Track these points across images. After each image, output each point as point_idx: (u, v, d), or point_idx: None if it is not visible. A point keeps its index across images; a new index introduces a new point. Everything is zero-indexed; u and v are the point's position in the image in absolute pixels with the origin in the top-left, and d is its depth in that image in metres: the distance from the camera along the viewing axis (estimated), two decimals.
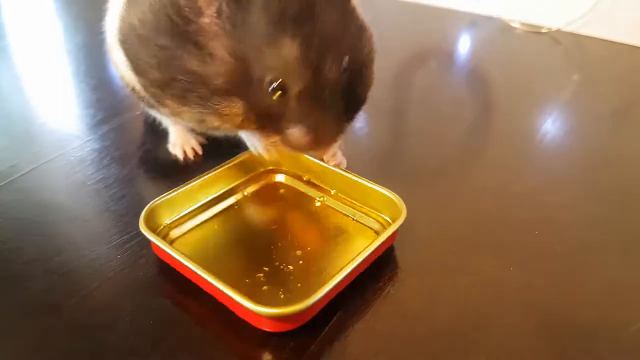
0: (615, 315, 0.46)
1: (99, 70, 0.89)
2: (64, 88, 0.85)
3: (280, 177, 0.61)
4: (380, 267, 0.50)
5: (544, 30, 1.10)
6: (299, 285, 0.47)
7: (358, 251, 0.46)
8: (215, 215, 0.55)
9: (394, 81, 0.90)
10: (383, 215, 0.55)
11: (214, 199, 0.57)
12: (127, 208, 0.56)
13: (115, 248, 0.51)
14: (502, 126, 0.78)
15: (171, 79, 0.46)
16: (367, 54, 0.49)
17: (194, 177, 0.55)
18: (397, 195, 0.53)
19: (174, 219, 0.53)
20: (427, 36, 1.12)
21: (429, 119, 0.79)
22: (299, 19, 0.42)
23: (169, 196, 0.52)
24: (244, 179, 0.59)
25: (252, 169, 0.60)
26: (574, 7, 1.07)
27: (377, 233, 0.53)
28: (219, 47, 0.43)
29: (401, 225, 0.50)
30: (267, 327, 0.43)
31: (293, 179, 0.60)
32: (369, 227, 0.54)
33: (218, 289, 0.43)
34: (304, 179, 0.60)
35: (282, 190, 0.59)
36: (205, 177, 0.56)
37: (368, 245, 0.47)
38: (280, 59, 0.42)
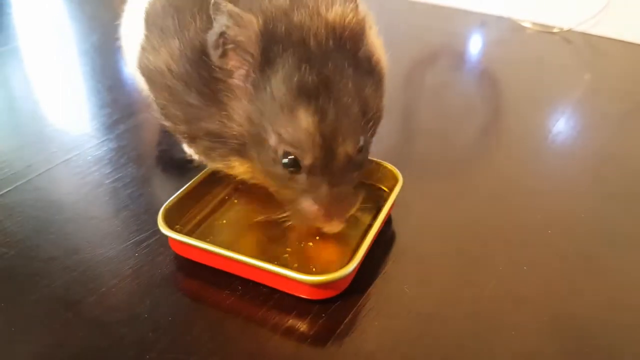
0: (630, 316, 0.46)
1: (115, 71, 0.90)
2: (80, 88, 0.86)
3: None
4: (394, 267, 0.50)
5: (555, 30, 1.10)
6: (324, 258, 0.50)
7: (365, 221, 0.52)
8: (224, 208, 0.56)
9: (404, 80, 0.90)
10: (380, 185, 0.59)
11: (221, 194, 0.58)
12: (144, 207, 0.57)
13: (134, 246, 0.52)
14: (512, 126, 0.78)
15: (197, 137, 0.49)
16: (377, 114, 0.49)
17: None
18: (391, 165, 0.57)
19: (187, 216, 0.54)
20: (437, 36, 1.12)
21: (439, 118, 0.80)
22: (315, 92, 0.43)
23: (183, 194, 0.53)
24: None
25: None
26: (585, 7, 1.07)
27: (378, 203, 0.55)
28: (239, 109, 0.45)
29: (410, 224, 0.51)
30: (313, 296, 0.46)
31: None
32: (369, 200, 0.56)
33: (260, 268, 0.45)
34: None
35: None
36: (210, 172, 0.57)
37: (379, 212, 0.51)
38: (295, 131, 0.43)
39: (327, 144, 0.43)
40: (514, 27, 1.13)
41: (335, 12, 0.45)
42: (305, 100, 0.43)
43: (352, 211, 0.48)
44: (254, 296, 0.47)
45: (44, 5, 1.25)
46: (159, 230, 0.48)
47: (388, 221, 0.55)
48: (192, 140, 0.51)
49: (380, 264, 0.51)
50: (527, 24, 1.13)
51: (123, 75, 0.87)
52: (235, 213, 0.56)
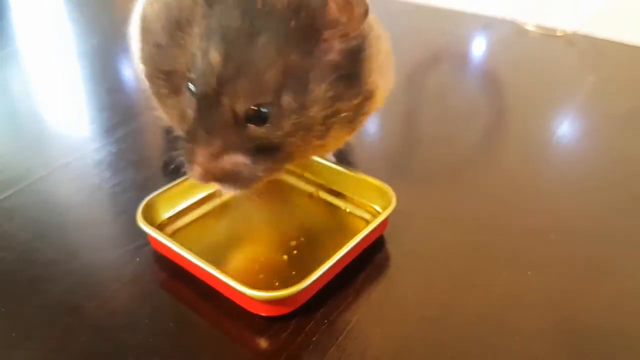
0: (635, 322, 0.46)
1: (114, 73, 0.90)
2: (79, 91, 0.86)
3: None
4: (397, 271, 0.50)
5: (558, 33, 1.09)
6: (293, 273, 0.48)
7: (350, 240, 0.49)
8: (212, 210, 0.57)
9: (407, 83, 0.90)
10: (374, 206, 0.57)
11: (209, 194, 0.57)
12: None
13: (134, 250, 0.51)
14: (517, 128, 0.78)
15: (154, 76, 0.50)
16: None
17: None
18: (387, 185, 0.55)
19: (172, 213, 0.55)
20: (440, 39, 1.12)
21: (442, 121, 0.79)
22: (228, 44, 0.42)
23: (166, 191, 0.54)
24: None
25: None
26: (588, 9, 1.07)
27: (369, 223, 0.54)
28: (189, 47, 0.45)
29: (414, 227, 0.50)
30: (262, 312, 0.45)
31: (286, 174, 0.61)
32: (361, 218, 0.56)
33: (213, 276, 0.44)
34: (297, 173, 0.61)
35: (274, 184, 0.60)
36: None
37: (359, 234, 0.49)
38: (200, 59, 0.43)
39: (218, 87, 0.41)
40: (517, 30, 1.13)
41: None
42: (219, 44, 0.41)
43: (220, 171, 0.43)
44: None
45: (44, 7, 1.25)
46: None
47: (386, 227, 0.54)
48: (150, 80, 0.52)
49: (383, 269, 0.50)
50: (530, 27, 1.12)
51: (123, 78, 0.87)
52: (223, 211, 0.57)
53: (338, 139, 0.50)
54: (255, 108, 0.42)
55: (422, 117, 0.81)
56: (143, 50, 0.53)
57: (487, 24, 1.16)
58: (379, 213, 0.55)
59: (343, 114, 0.45)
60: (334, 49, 0.44)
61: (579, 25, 1.09)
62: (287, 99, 0.42)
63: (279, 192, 0.60)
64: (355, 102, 0.46)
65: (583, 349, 0.43)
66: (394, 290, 0.48)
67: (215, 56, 0.41)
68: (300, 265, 0.49)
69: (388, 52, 0.53)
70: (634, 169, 0.67)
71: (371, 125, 0.76)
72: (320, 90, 0.43)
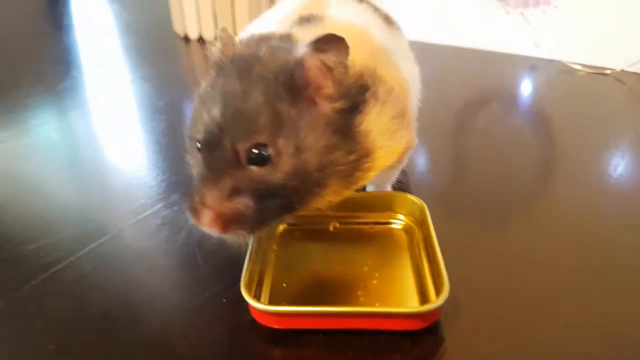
0: None
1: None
2: (159, 141, 0.91)
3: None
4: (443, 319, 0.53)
5: (607, 72, 1.12)
6: (386, 293, 0.54)
7: (404, 255, 0.59)
8: (269, 260, 0.59)
9: (456, 124, 0.94)
10: (401, 215, 0.64)
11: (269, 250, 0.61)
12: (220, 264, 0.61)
13: (222, 292, 0.56)
14: (567, 169, 0.80)
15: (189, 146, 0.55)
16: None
17: None
18: (416, 197, 0.62)
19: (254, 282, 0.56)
20: (487, 81, 1.16)
21: (492, 161, 0.82)
22: (225, 99, 0.48)
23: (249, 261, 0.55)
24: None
25: None
26: (636, 46, 1.09)
27: (406, 232, 0.63)
28: None
29: (467, 269, 0.55)
30: (408, 327, 0.50)
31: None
32: (400, 228, 0.63)
33: (347, 313, 0.50)
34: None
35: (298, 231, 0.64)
36: None
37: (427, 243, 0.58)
38: (202, 115, 0.49)
39: (218, 134, 0.47)
40: (565, 70, 1.15)
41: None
42: (219, 100, 0.48)
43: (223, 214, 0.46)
44: (340, 344, 0.50)
45: (112, 64, 1.33)
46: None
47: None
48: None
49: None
50: (577, 66, 1.15)
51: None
52: (287, 267, 0.59)
53: (336, 192, 0.52)
54: (256, 150, 0.46)
55: (471, 158, 0.84)
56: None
57: (534, 64, 1.19)
58: (412, 220, 0.63)
59: (339, 167, 0.49)
60: (323, 106, 0.48)
61: (627, 63, 1.11)
62: (282, 141, 0.46)
63: (310, 232, 0.64)
64: (351, 158, 0.50)
65: None
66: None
67: (215, 112, 0.47)
68: (384, 285, 0.55)
69: (402, 110, 0.55)
70: None
71: (420, 163, 0.80)
72: (312, 138, 0.47)
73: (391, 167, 0.60)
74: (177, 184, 0.76)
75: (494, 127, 0.95)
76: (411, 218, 0.63)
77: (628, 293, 0.55)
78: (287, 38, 0.52)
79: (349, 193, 0.53)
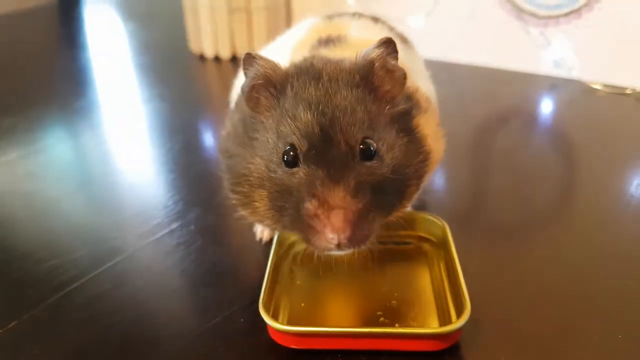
0: None
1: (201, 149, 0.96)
2: (178, 162, 0.91)
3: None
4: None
5: (627, 92, 1.11)
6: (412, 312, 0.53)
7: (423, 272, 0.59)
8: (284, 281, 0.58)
9: (475, 143, 0.93)
10: (422, 235, 0.64)
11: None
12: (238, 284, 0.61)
13: (239, 311, 0.55)
14: (587, 189, 0.79)
15: (236, 184, 0.53)
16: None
17: None
18: (437, 217, 0.62)
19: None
20: (507, 100, 1.15)
21: (511, 180, 0.81)
22: (316, 101, 0.46)
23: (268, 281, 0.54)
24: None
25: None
26: None
27: (427, 252, 0.62)
28: (262, 138, 0.50)
29: (486, 290, 0.55)
30: (429, 348, 0.49)
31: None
32: (418, 249, 0.63)
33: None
34: None
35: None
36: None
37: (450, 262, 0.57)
38: (293, 122, 0.46)
39: (324, 132, 0.45)
40: (585, 90, 1.14)
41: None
42: (306, 104, 0.46)
43: (354, 216, 0.42)
44: None
45: (125, 81, 1.34)
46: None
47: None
48: (233, 189, 0.53)
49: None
50: (597, 86, 1.14)
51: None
52: (306, 287, 0.58)
53: (411, 194, 0.52)
54: (367, 143, 0.45)
55: (490, 177, 0.84)
56: (222, 165, 0.57)
57: (554, 84, 1.19)
58: (433, 239, 0.62)
59: (413, 167, 0.49)
60: (390, 106, 0.50)
61: None
62: (379, 135, 0.47)
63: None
64: (420, 158, 0.51)
65: None
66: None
67: (306, 114, 0.46)
68: (404, 305, 0.54)
69: (436, 123, 0.58)
70: None
71: (440, 182, 0.79)
72: (392, 135, 0.48)
73: None
74: (194, 204, 0.76)
75: (513, 146, 0.94)
76: (432, 238, 0.62)
77: None
78: (320, 57, 0.52)
79: (414, 198, 0.54)
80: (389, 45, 0.48)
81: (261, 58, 0.49)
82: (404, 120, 0.50)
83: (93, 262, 0.64)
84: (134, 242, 0.67)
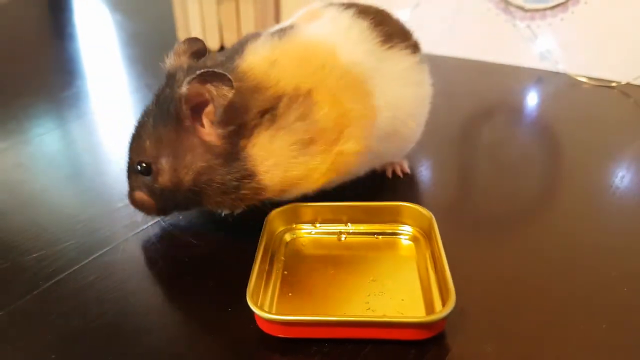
0: None
1: None
2: None
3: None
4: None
5: (612, 85, 1.12)
6: (402, 299, 0.54)
7: (411, 265, 0.59)
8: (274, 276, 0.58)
9: (462, 136, 0.93)
10: (408, 226, 0.64)
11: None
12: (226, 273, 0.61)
13: (233, 310, 0.55)
14: (573, 181, 0.79)
15: None
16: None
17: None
18: (424, 208, 0.63)
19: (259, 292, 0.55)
20: (493, 93, 1.16)
21: (496, 173, 0.82)
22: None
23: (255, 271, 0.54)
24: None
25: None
26: None
27: (414, 242, 0.63)
28: None
29: (471, 285, 0.54)
30: (414, 337, 0.49)
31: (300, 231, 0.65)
32: (404, 238, 0.63)
33: (357, 322, 0.50)
34: (316, 224, 0.65)
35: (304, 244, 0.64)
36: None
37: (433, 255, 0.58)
38: None
39: (129, 148, 0.62)
40: (571, 83, 1.15)
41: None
42: (136, 123, 0.63)
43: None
44: (346, 354, 0.49)
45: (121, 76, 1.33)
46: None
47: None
48: None
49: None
50: (583, 79, 1.15)
51: None
52: (293, 276, 0.59)
53: (219, 203, 0.61)
54: (143, 164, 0.59)
55: (475, 170, 0.84)
56: None
57: (540, 77, 1.19)
58: (420, 230, 0.63)
59: (215, 185, 0.58)
60: (205, 131, 0.57)
61: (633, 76, 1.10)
62: (162, 161, 0.58)
63: (311, 247, 0.63)
64: (229, 177, 0.57)
65: None
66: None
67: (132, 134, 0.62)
68: (391, 295, 0.55)
69: (312, 139, 0.58)
70: None
71: (427, 174, 0.80)
72: (189, 159, 0.57)
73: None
74: None
75: (500, 138, 0.95)
76: (419, 229, 0.63)
77: (638, 302, 0.54)
78: (231, 57, 0.61)
79: (238, 209, 0.63)
80: (209, 76, 0.53)
81: (178, 49, 0.68)
82: (223, 143, 0.57)
83: (81, 252, 0.64)
84: (122, 233, 0.67)
